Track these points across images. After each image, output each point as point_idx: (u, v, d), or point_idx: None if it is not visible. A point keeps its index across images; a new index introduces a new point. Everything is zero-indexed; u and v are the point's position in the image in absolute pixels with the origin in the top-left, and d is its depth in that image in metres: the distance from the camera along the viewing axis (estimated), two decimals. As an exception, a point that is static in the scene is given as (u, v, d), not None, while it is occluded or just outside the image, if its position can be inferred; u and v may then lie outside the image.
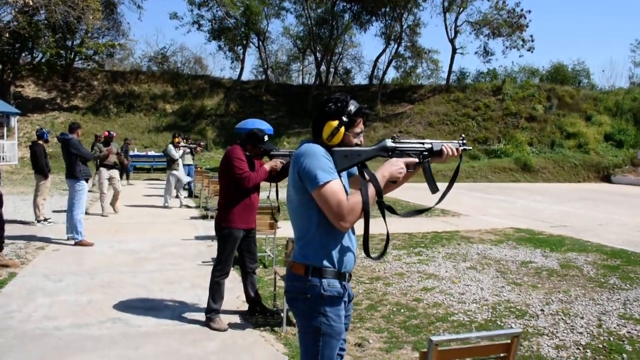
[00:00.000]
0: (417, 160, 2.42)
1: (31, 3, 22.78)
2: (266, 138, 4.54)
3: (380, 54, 34.70)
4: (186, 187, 13.89)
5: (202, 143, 17.04)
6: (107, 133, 10.58)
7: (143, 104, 30.43)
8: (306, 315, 2.28)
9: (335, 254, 2.28)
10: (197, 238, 8.54)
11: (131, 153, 22.09)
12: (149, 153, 23.43)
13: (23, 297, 5.13)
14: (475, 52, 34.90)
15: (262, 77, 36.15)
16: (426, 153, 2.44)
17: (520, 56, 45.36)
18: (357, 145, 2.36)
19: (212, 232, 8.96)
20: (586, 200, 17.49)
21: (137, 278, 5.92)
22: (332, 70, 37.31)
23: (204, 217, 10.81)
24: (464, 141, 2.55)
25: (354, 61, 38.51)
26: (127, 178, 17.77)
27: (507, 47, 32.97)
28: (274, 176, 4.60)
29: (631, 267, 7.36)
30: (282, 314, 4.56)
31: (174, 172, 12.09)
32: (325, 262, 2.26)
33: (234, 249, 4.49)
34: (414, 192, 11.16)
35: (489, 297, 5.84)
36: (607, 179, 27.57)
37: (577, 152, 28.73)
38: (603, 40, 72.33)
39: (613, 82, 39.47)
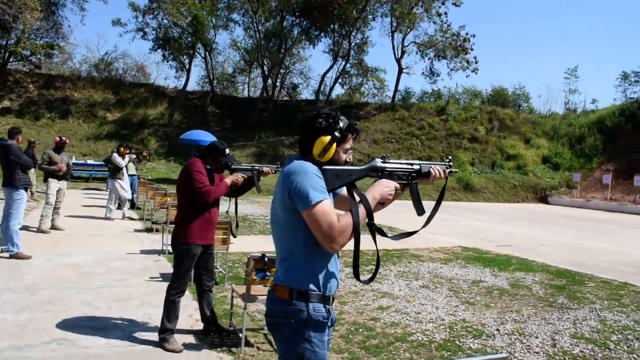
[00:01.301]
0: (405, 181, 2.35)
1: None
2: (227, 151, 4.38)
3: (328, 70, 35.04)
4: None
5: (147, 151, 16.44)
6: (58, 139, 9.82)
7: (82, 110, 29.30)
8: (289, 341, 2.15)
9: (321, 276, 2.17)
10: (143, 252, 8.17)
11: (73, 161, 21.15)
12: (88, 161, 22.48)
13: (-47, 315, 4.70)
14: (422, 73, 35.69)
15: (208, 88, 35.64)
16: (414, 174, 2.37)
17: (467, 76, 46.84)
18: (346, 162, 2.28)
19: (158, 246, 8.69)
20: (527, 220, 18.14)
21: (82, 295, 5.55)
22: (278, 84, 37.25)
23: (149, 230, 10.40)
24: (451, 163, 2.51)
25: (301, 76, 38.54)
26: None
27: (451, 69, 34.03)
28: (234, 191, 4.45)
29: (576, 287, 7.60)
30: (239, 334, 4.37)
31: (118, 181, 11.60)
32: (311, 286, 2.15)
33: (192, 265, 4.28)
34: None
35: (445, 316, 5.85)
36: (544, 199, 28.79)
37: (516, 173, 29.89)
38: (540, 66, 76.16)
39: (550, 107, 41.36)
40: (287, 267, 2.18)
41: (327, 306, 2.20)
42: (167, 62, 34.10)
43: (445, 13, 32.66)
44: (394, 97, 35.28)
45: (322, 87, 36.29)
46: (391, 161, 2.37)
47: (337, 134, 2.19)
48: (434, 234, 12.82)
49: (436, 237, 12.12)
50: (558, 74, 63.65)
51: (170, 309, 4.22)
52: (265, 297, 4.21)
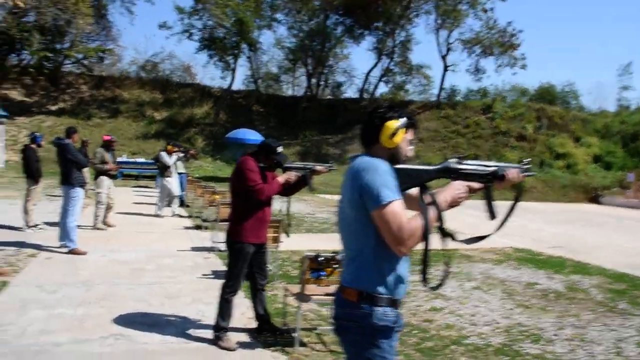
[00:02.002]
0: (480, 185, 2.24)
1: (22, 5, 22.43)
2: (280, 149, 4.34)
3: (372, 68, 34.75)
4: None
5: (194, 149, 16.68)
6: (108, 137, 10.02)
7: (131, 110, 30.06)
8: (357, 345, 2.08)
9: (390, 279, 2.09)
10: (193, 249, 8.27)
11: (119, 159, 21.73)
12: (137, 160, 23.04)
13: (17, 309, 4.83)
14: (467, 70, 34.94)
15: (252, 88, 35.99)
16: (490, 177, 2.25)
17: (513, 74, 45.71)
18: (407, 157, 2.20)
19: (208, 244, 8.77)
20: (579, 221, 17.50)
21: (135, 291, 5.64)
22: (322, 83, 37.26)
23: (198, 227, 10.53)
24: (528, 166, 2.33)
25: (344, 75, 38.40)
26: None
27: (498, 66, 33.28)
28: (287, 189, 4.41)
29: (638, 292, 7.25)
30: (293, 334, 4.34)
31: (167, 179, 11.80)
32: (380, 288, 2.07)
33: (246, 264, 4.26)
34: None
35: (500, 319, 5.67)
36: (595, 200, 27.73)
37: (566, 172, 28.94)
38: (591, 63, 73.55)
39: (599, 104, 39.95)
40: (355, 268, 2.11)
41: (396, 310, 2.11)
42: (213, 62, 34.69)
43: (492, 9, 31.99)
44: (439, 95, 34.77)
45: (366, 85, 36.10)
46: (466, 162, 2.25)
47: (404, 119, 2.10)
48: (483, 233, 12.51)
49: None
50: (609, 71, 61.25)
51: (225, 308, 4.22)
52: (320, 296, 4.20)
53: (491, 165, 2.27)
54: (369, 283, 2.07)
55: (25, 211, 8.83)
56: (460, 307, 6.05)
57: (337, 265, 4.15)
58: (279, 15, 33.97)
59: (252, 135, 23.38)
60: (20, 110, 26.73)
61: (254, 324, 4.62)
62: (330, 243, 9.55)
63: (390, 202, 1.96)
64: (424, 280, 2.10)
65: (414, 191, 2.20)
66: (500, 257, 9.37)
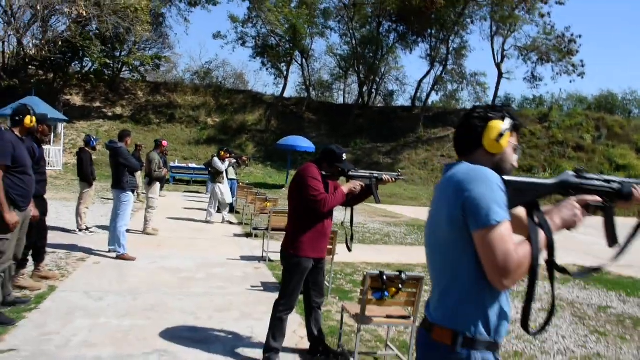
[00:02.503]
0: (598, 203, 1.85)
1: (85, 14, 23.13)
2: (344, 156, 4.03)
3: (425, 76, 34.07)
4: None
5: (246, 155, 16.60)
6: (165, 143, 10.04)
7: (184, 115, 30.52)
8: (447, 395, 1.71)
9: (493, 317, 1.71)
10: (243, 258, 8.05)
11: (172, 164, 22.02)
12: (190, 165, 23.29)
13: (62, 316, 4.69)
14: (524, 78, 33.77)
15: (304, 95, 35.97)
16: (613, 195, 1.89)
17: (571, 82, 43.82)
18: (513, 166, 1.82)
19: (258, 253, 8.53)
20: (646, 238, 16.37)
21: (182, 302, 5.43)
22: (374, 90, 36.85)
23: (248, 235, 10.34)
24: None
25: (396, 82, 37.91)
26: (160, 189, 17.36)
27: (556, 73, 31.98)
28: (350, 200, 4.09)
29: None
30: (350, 358, 4.00)
31: (219, 185, 11.70)
32: (481, 329, 1.70)
33: (302, 280, 3.95)
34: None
35: (574, 347, 5.15)
36: (663, 214, 26.11)
37: (628, 185, 27.38)
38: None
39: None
40: (450, 303, 1.74)
41: (497, 356, 1.74)
42: (266, 69, 34.93)
43: (549, 13, 30.76)
44: (493, 103, 33.63)
45: (418, 94, 35.45)
46: (588, 176, 1.87)
47: (510, 120, 1.77)
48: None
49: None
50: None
51: (277, 327, 3.92)
52: (381, 319, 3.84)
53: (615, 181, 1.91)
54: (467, 322, 1.70)
55: (78, 214, 8.86)
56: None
57: (402, 286, 3.78)
58: (331, 23, 33.88)
59: (303, 142, 23.26)
60: (80, 115, 27.58)
61: (306, 344, 4.30)
62: (383, 255, 9.18)
63: (499, 223, 1.59)
64: (525, 324, 1.70)
65: (520, 210, 1.82)
66: (565, 276, 8.70)
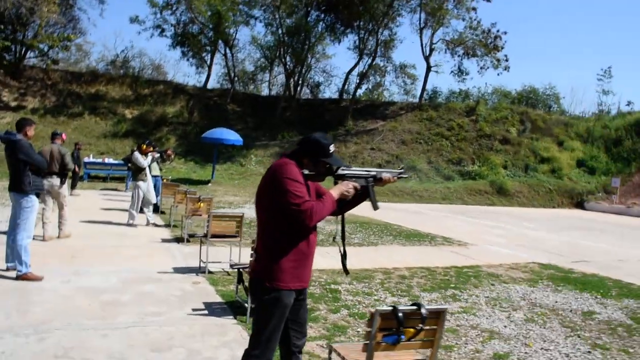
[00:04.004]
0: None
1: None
2: (332, 148, 2.97)
3: (353, 68, 33.48)
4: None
5: (171, 149, 15.04)
6: (65, 136, 8.60)
7: (100, 107, 28.10)
8: None
9: None
10: (177, 270, 6.77)
11: (86, 159, 19.95)
12: (106, 160, 21.22)
13: None
14: (451, 72, 34.02)
15: (228, 86, 34.34)
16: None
17: (498, 74, 44.88)
18: None
19: (194, 262, 7.26)
20: (580, 229, 16.56)
21: (108, 339, 4.14)
22: (301, 82, 35.84)
23: (179, 240, 9.01)
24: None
25: (323, 74, 37.14)
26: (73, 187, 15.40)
27: (481, 68, 32.48)
28: (341, 207, 3.04)
29: None
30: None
31: (141, 182, 10.26)
32: None
33: (283, 322, 2.86)
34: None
35: (586, 369, 4.41)
36: (580, 205, 27.11)
37: (550, 177, 28.25)
38: (569, 66, 73.88)
39: (573, 109, 39.60)
40: None
41: None
42: (187, 59, 33.02)
43: (474, 9, 31.13)
44: (421, 96, 33.76)
45: (346, 86, 34.83)
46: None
47: None
48: (492, 244, 11.39)
49: (497, 250, 10.65)
50: (585, 75, 61.57)
51: (250, 387, 2.80)
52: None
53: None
54: None
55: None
56: (528, 350, 4.76)
57: (422, 324, 2.80)
58: (255, 12, 32.45)
59: (231, 135, 21.90)
60: (-24, 105, 24.58)
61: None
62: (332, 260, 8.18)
63: None
64: None
65: None
66: (531, 277, 8.17)
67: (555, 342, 5.07)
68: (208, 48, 32.06)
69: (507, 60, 31.90)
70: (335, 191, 2.93)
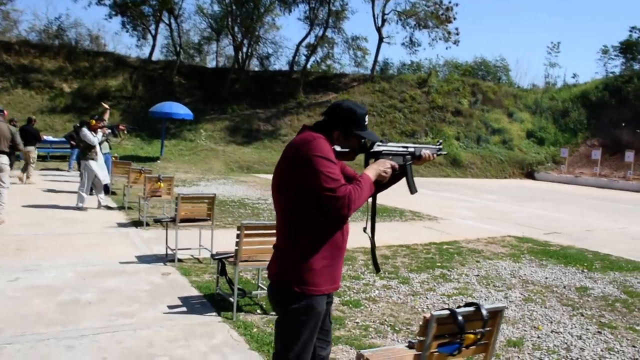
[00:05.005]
0: None
1: None
2: (367, 120, 2.41)
3: (303, 39, 32.56)
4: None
5: (123, 124, 13.91)
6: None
7: (34, 80, 26.10)
8: None
9: None
10: (141, 260, 6.06)
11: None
12: (45, 138, 19.68)
13: None
14: (403, 43, 33.70)
15: (172, 58, 32.75)
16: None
17: (447, 48, 44.89)
18: None
19: (159, 249, 6.57)
20: (538, 200, 16.72)
21: (73, 353, 3.46)
22: (250, 54, 34.64)
23: (137, 224, 8.24)
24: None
25: (273, 45, 35.97)
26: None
27: (432, 40, 32.32)
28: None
29: None
30: None
31: (91, 161, 9.34)
32: None
33: (315, 333, 2.31)
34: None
35: (605, 353, 4.13)
36: (530, 175, 27.70)
37: (502, 148, 28.67)
38: (517, 39, 75.18)
39: (518, 80, 40.30)
40: None
41: None
42: (126, 30, 31.16)
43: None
44: (373, 67, 33.30)
45: (297, 57, 33.92)
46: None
47: None
48: (461, 218, 11.17)
49: (468, 223, 10.44)
50: (531, 47, 62.87)
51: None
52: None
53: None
54: None
55: None
56: (540, 335, 4.43)
57: (484, 328, 2.32)
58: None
59: (180, 109, 20.81)
60: None
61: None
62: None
63: None
64: None
65: None
66: (512, 251, 7.94)
67: (563, 324, 4.77)
68: (154, 17, 30.31)
69: (457, 34, 31.83)
70: (371, 172, 2.37)
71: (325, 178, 2.13)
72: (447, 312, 2.26)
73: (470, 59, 39.12)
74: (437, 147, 2.69)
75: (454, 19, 31.32)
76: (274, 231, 4.31)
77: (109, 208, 9.65)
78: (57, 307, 4.27)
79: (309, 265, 2.21)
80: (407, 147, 2.55)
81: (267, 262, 4.32)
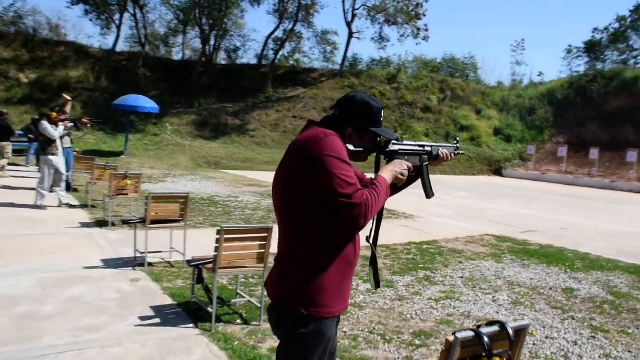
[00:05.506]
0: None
1: None
2: (382, 115, 2.11)
3: (272, 33, 32.08)
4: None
5: (86, 117, 13.22)
6: None
7: (-14, 70, 24.89)
8: None
9: None
10: (108, 264, 5.62)
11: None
12: None
13: None
14: (372, 39, 33.59)
15: (138, 49, 31.80)
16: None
17: (417, 44, 45.17)
18: None
19: (126, 252, 6.13)
20: (509, 197, 16.78)
21: (34, 375, 3.08)
22: (217, 46, 33.92)
23: (102, 224, 7.74)
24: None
25: (241, 39, 35.32)
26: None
27: (402, 36, 32.30)
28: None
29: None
30: None
31: (51, 157, 8.77)
32: None
33: (324, 359, 1.99)
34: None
35: (603, 359, 3.95)
36: (498, 172, 27.95)
37: (470, 145, 28.84)
38: (483, 36, 76.15)
39: (495, 78, 40.87)
40: None
41: None
42: (90, 19, 30.08)
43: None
44: (343, 63, 33.09)
45: (265, 51, 33.39)
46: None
47: None
48: (437, 216, 11.01)
49: (445, 222, 10.28)
50: (497, 46, 63.80)
51: None
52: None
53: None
54: None
55: None
56: (536, 342, 4.23)
57: (510, 349, 2.04)
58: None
59: (146, 103, 20.11)
60: None
61: None
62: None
63: None
64: None
65: None
66: (493, 251, 7.79)
67: (556, 328, 4.60)
68: (115, 7, 29.32)
69: (427, 30, 31.93)
70: (387, 174, 2.07)
71: (340, 182, 1.81)
72: (472, 333, 1.97)
73: (440, 56, 39.39)
74: (455, 145, 2.42)
75: (424, 15, 31.40)
76: (257, 235, 4.00)
77: (70, 206, 9.10)
78: (13, 322, 3.83)
79: (318, 283, 1.89)
80: (423, 146, 2.26)
81: (248, 269, 4.01)
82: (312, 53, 35.07)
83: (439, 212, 11.79)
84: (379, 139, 2.12)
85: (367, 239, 2.29)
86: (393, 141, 2.16)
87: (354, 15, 31.57)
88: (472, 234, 9.03)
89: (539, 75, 38.22)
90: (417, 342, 4.08)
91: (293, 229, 1.95)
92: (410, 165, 2.17)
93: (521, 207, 13.93)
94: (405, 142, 2.21)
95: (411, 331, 4.29)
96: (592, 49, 33.35)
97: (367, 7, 31.84)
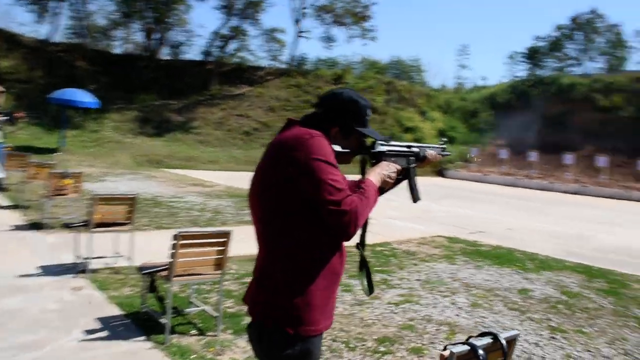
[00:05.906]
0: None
1: None
2: (369, 114, 1.94)
3: (218, 29, 31.45)
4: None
5: (21, 111, 12.37)
6: None
7: None
8: None
9: None
10: (45, 271, 5.18)
11: None
12: None
13: None
14: (320, 38, 33.57)
15: (76, 40, 30.40)
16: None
17: (364, 44, 45.65)
18: None
19: (66, 257, 5.67)
20: (454, 197, 17.08)
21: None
22: (161, 41, 32.90)
23: (37, 226, 7.21)
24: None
25: (187, 33, 34.42)
26: None
27: (349, 37, 32.46)
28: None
29: (627, 291, 6.28)
30: None
31: (-20, 155, 8.13)
32: None
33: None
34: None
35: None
36: (441, 173, 28.50)
37: (414, 146, 29.28)
38: (428, 40, 77.77)
39: (439, 81, 41.81)
40: None
41: None
42: (21, 4, 28.53)
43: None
44: (289, 62, 32.86)
45: (211, 48, 32.65)
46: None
47: None
48: (389, 217, 11.00)
49: (396, 223, 10.28)
50: (442, 50, 65.41)
51: None
52: None
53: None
54: None
55: None
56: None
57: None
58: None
59: (85, 97, 19.19)
60: None
61: None
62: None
63: None
64: None
65: None
66: (446, 252, 7.81)
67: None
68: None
69: (373, 31, 32.23)
70: (375, 177, 1.91)
71: (328, 188, 1.63)
72: (467, 347, 1.84)
73: (387, 58, 39.91)
74: (441, 146, 2.30)
75: (370, 17, 31.66)
76: (215, 240, 3.75)
77: (1, 207, 8.46)
78: (-62, 338, 3.42)
79: (305, 300, 1.70)
80: (410, 147, 2.12)
81: (205, 276, 3.75)
82: (259, 51, 34.41)
83: (388, 213, 11.77)
84: (365, 139, 1.95)
85: (357, 246, 2.13)
86: (380, 142, 1.99)
87: (302, 15, 31.42)
88: (424, 235, 9.05)
89: (482, 80, 39.28)
90: (382, 348, 3.96)
91: (271, 231, 1.76)
92: (398, 167, 2.02)
93: (466, 207, 14.19)
94: (391, 143, 2.05)
95: (374, 337, 4.16)
96: (533, 55, 34.65)
97: (316, 6, 31.77)
